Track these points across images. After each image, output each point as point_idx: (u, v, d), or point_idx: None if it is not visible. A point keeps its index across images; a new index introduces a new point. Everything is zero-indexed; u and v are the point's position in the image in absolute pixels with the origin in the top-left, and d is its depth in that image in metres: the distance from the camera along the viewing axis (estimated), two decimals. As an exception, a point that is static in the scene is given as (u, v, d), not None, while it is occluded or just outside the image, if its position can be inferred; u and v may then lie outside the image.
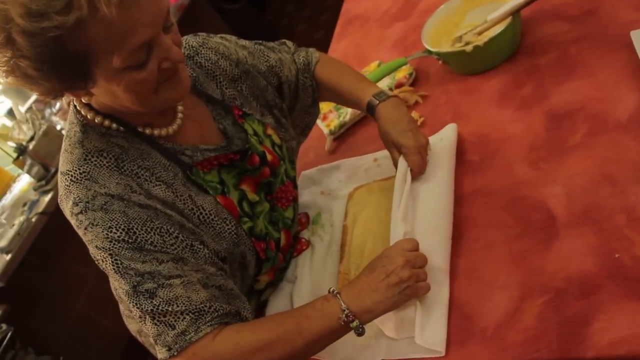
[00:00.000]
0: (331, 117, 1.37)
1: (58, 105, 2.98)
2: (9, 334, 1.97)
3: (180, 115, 0.93)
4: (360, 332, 0.81)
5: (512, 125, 1.05)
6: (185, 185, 0.88)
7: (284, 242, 1.05)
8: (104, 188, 0.80)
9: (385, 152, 1.18)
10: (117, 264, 0.79)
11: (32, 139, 2.41)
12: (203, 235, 0.86)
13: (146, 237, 0.79)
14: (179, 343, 0.79)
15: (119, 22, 0.69)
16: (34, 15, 0.66)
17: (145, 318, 0.80)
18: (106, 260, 0.80)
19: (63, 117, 2.73)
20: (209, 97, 1.00)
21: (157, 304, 0.78)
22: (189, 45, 1.02)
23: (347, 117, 1.32)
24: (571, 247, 0.81)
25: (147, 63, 0.76)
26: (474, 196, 0.98)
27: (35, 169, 2.31)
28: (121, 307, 1.17)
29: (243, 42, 1.12)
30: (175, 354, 0.79)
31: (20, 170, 2.44)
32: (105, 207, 0.79)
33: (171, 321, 0.79)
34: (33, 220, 2.08)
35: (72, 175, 0.82)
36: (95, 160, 0.82)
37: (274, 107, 1.10)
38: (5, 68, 0.72)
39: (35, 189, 2.27)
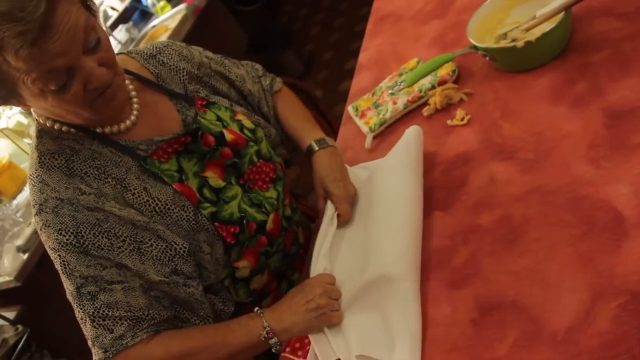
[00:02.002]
0: (370, 114, 1.34)
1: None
2: (25, 336, 1.93)
3: (135, 112, 0.95)
4: (277, 349, 0.93)
5: (568, 122, 1.01)
6: (140, 178, 0.90)
7: (272, 225, 1.04)
8: (55, 192, 0.84)
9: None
10: (64, 265, 0.84)
11: (48, 136, 2.38)
12: (158, 228, 0.88)
13: (94, 240, 0.83)
14: (115, 346, 0.85)
15: (31, 59, 0.72)
16: None
17: (85, 320, 0.85)
18: (56, 261, 0.85)
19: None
20: (172, 92, 1.03)
21: (98, 307, 0.84)
22: (153, 46, 1.08)
23: (388, 114, 1.29)
24: (645, 247, 0.77)
25: (69, 85, 0.78)
26: (531, 195, 0.95)
27: (52, 167, 2.27)
28: None
29: (207, 52, 1.18)
30: (110, 356, 0.85)
31: (36, 168, 2.40)
32: (56, 210, 0.83)
33: (109, 325, 0.84)
34: (51, 218, 2.03)
35: (30, 179, 0.89)
36: (48, 162, 0.86)
37: (241, 107, 1.14)
38: None
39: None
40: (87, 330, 0.87)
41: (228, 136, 1.03)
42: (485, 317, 0.84)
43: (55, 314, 2.46)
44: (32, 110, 0.90)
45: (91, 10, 0.83)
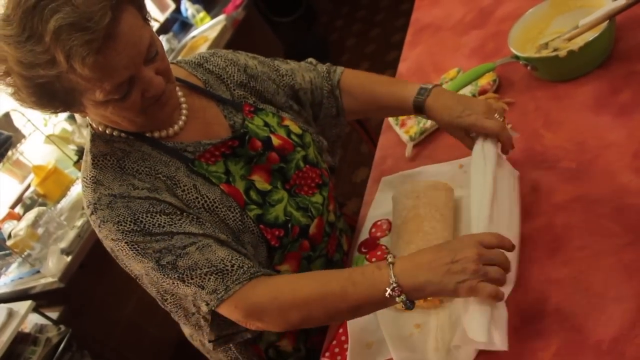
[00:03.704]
0: (410, 123, 1.35)
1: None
2: (67, 336, 1.99)
3: (183, 117, 0.98)
4: (408, 307, 0.79)
5: (612, 132, 1.00)
6: (189, 176, 0.94)
7: (314, 230, 1.04)
8: (108, 189, 0.87)
9: (468, 159, 1.16)
10: (135, 248, 0.87)
11: (92, 143, 2.45)
12: (206, 223, 0.91)
13: (152, 221, 0.86)
14: (213, 301, 0.87)
15: (97, 71, 0.76)
16: (24, 65, 0.75)
17: (177, 284, 0.89)
18: (124, 249, 0.88)
19: (122, 123, 2.79)
20: (220, 98, 1.05)
21: (182, 272, 0.87)
22: (200, 55, 1.11)
23: (428, 124, 1.30)
24: (695, 257, 0.76)
25: (129, 95, 0.83)
26: (574, 204, 0.94)
27: (95, 172, 2.34)
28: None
29: (254, 55, 1.18)
30: (213, 307, 0.88)
31: (79, 173, 2.49)
32: (110, 205, 0.86)
33: (199, 282, 0.87)
34: (94, 222, 2.10)
35: (84, 181, 0.92)
36: (101, 163, 0.90)
37: (290, 111, 1.13)
38: (10, 93, 0.82)
39: (95, 192, 2.30)
40: (184, 290, 0.90)
41: (275, 141, 1.04)
42: (527, 326, 0.83)
43: (96, 316, 2.53)
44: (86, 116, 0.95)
45: (148, 22, 0.87)
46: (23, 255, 2.10)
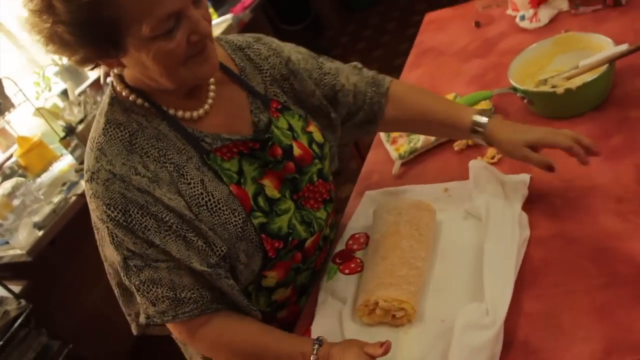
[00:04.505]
0: (401, 141, 1.34)
1: (110, 94, 3.01)
2: (27, 311, 1.94)
3: (210, 101, 0.94)
4: None
5: (600, 174, 1.01)
6: (200, 169, 0.89)
7: (310, 244, 1.02)
8: (110, 165, 0.84)
9: (457, 183, 1.15)
10: (112, 236, 0.85)
11: (81, 121, 2.43)
12: (202, 228, 0.87)
13: (141, 220, 0.83)
14: (157, 319, 0.88)
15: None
16: None
17: (131, 288, 0.88)
18: (103, 231, 0.86)
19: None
20: (252, 89, 1.00)
21: (143, 281, 0.85)
22: (243, 38, 1.05)
23: (419, 144, 1.29)
24: (667, 307, 0.75)
25: (175, 33, 0.79)
26: (554, 240, 0.94)
27: (80, 151, 2.31)
28: None
29: (300, 48, 1.12)
30: (154, 323, 0.89)
31: (64, 151, 2.46)
32: (107, 183, 0.83)
33: (152, 299, 0.86)
34: (71, 200, 2.06)
35: (90, 142, 0.88)
36: (112, 132, 0.86)
37: (319, 113, 1.09)
38: (45, 35, 0.78)
39: (76, 171, 2.27)
40: (136, 296, 0.89)
41: (296, 151, 0.99)
42: (492, 355, 0.82)
43: (60, 296, 2.48)
44: (110, 77, 0.92)
45: None
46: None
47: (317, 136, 1.05)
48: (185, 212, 0.86)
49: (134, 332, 0.98)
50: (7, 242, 1.97)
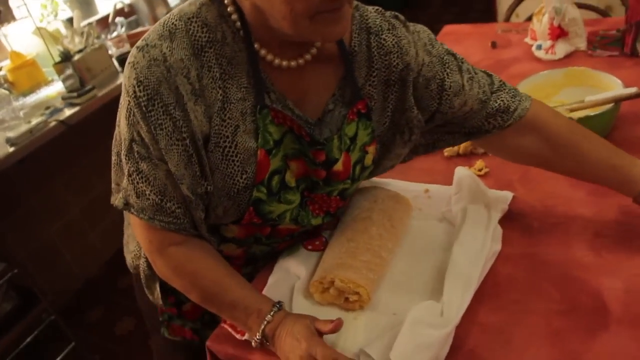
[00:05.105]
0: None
1: (115, 33, 2.96)
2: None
3: (301, 61, 0.85)
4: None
5: (582, 206, 1.00)
6: (244, 116, 0.82)
7: (284, 229, 0.98)
8: (168, 50, 0.77)
9: (439, 187, 1.14)
10: (130, 113, 0.79)
11: (80, 51, 2.37)
12: (206, 161, 0.81)
13: (160, 116, 0.77)
14: (134, 211, 0.84)
15: None
16: None
17: (124, 169, 0.84)
18: (124, 105, 0.81)
19: (117, 44, 2.70)
20: (350, 76, 0.89)
21: (139, 170, 0.81)
22: (379, 21, 0.90)
23: (411, 140, 1.27)
24: (620, 345, 0.74)
25: None
26: (524, 259, 0.92)
27: (72, 80, 2.25)
28: (125, 236, 1.09)
29: (435, 45, 0.94)
30: (132, 213, 0.84)
31: (56, 77, 2.39)
32: (151, 62, 0.76)
33: (139, 192, 0.83)
34: (50, 124, 2.00)
35: (164, 21, 0.80)
36: (193, 27, 0.79)
37: (399, 129, 0.95)
38: None
39: (63, 99, 2.20)
40: (123, 180, 0.85)
41: (337, 166, 0.90)
42: (437, 356, 0.80)
43: (17, 221, 2.42)
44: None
45: None
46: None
47: (368, 159, 0.95)
48: (200, 139, 0.80)
49: (112, 201, 0.91)
50: (-25, 152, 1.90)
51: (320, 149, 0.87)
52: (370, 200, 1.06)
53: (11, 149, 1.87)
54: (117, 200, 0.88)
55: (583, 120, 1.08)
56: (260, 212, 0.88)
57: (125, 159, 0.82)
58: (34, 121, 1.99)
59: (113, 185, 0.93)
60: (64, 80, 2.26)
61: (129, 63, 0.79)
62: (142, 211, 0.84)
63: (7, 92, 2.16)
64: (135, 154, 0.81)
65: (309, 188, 0.93)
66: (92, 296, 2.74)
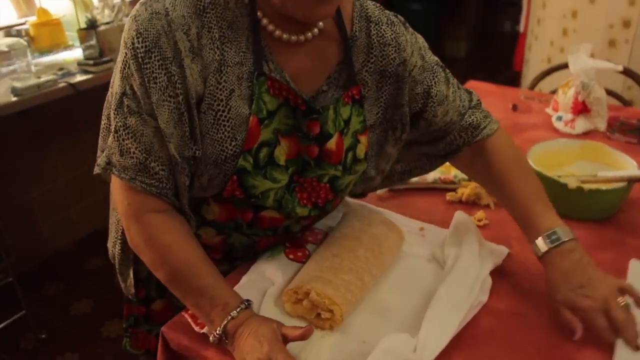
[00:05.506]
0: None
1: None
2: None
3: (302, 37, 0.85)
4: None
5: (576, 278, 0.96)
6: (240, 80, 0.81)
7: (267, 218, 0.92)
8: (171, 6, 0.77)
9: (434, 227, 1.11)
10: (125, 65, 0.78)
11: (106, 24, 2.36)
12: (197, 122, 0.79)
13: (156, 70, 0.76)
14: (116, 171, 0.81)
15: None
16: None
17: (110, 128, 0.81)
18: (122, 55, 0.79)
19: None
20: (347, 60, 0.89)
21: (126, 125, 0.78)
22: (378, 13, 0.93)
23: (415, 179, 1.24)
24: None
25: None
26: (508, 317, 0.89)
27: (92, 50, 2.23)
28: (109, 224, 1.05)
29: (428, 55, 0.98)
30: (113, 173, 0.81)
31: (77, 43, 2.37)
32: (154, 16, 0.76)
33: (123, 149, 0.80)
34: (59, 85, 1.97)
35: None
36: None
37: (390, 125, 0.96)
38: None
39: (79, 64, 2.19)
40: (109, 138, 0.82)
41: (330, 143, 0.89)
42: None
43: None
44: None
45: None
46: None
47: (361, 151, 0.93)
48: (194, 97, 0.79)
49: (95, 170, 0.87)
50: (-23, 94, 1.86)
51: (316, 118, 0.86)
52: (364, 222, 1.02)
53: (14, 99, 1.84)
54: (99, 160, 0.85)
55: (593, 193, 1.06)
56: (244, 184, 0.84)
57: (114, 114, 0.80)
58: (44, 78, 1.96)
59: (98, 153, 0.90)
60: (84, 48, 2.24)
61: (131, 17, 0.79)
62: (124, 170, 0.80)
63: (25, 44, 2.13)
64: (125, 108, 0.78)
65: (299, 172, 0.90)
66: (56, 270, 2.65)
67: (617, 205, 1.12)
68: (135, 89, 0.77)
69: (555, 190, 1.11)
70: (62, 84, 1.97)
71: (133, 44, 0.76)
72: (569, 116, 1.56)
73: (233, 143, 0.82)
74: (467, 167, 1.06)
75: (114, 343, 2.19)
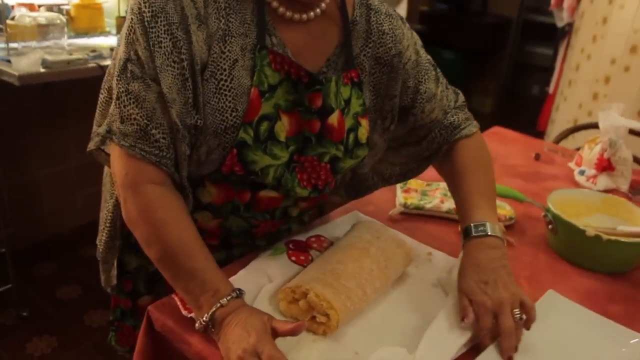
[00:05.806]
0: (414, 194, 1.28)
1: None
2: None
3: (304, 16, 0.87)
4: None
5: (584, 326, 0.92)
6: (243, 51, 0.81)
7: (265, 199, 0.91)
8: None
9: (443, 254, 1.08)
10: (130, 31, 0.77)
11: (145, 17, 2.39)
12: (200, 90, 0.79)
13: (161, 34, 0.76)
14: (116, 138, 0.79)
15: None
16: None
17: (114, 94, 0.79)
18: (127, 22, 0.78)
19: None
20: (346, 44, 0.91)
21: (129, 91, 0.77)
22: (374, 3, 0.96)
23: (429, 206, 1.23)
24: None
25: None
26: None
27: (126, 38, 2.26)
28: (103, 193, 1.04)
29: (422, 51, 1.02)
30: (113, 141, 0.79)
31: (114, 30, 2.41)
32: None
33: (124, 115, 0.78)
34: (89, 65, 1.99)
35: None
36: None
37: (382, 115, 0.98)
38: None
39: (112, 49, 2.21)
40: (110, 105, 0.81)
41: (332, 119, 0.89)
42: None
43: (9, 145, 2.37)
44: None
45: None
46: (7, 43, 1.96)
47: (362, 134, 0.94)
48: (199, 64, 0.78)
49: (89, 146, 0.87)
50: (9, 61, 1.87)
51: (318, 89, 0.86)
52: (373, 234, 0.99)
53: (42, 70, 1.85)
54: (99, 129, 0.84)
55: (612, 243, 1.03)
56: (244, 159, 0.83)
57: (117, 81, 0.78)
58: (74, 57, 1.97)
59: (94, 128, 0.89)
60: (119, 39, 2.26)
61: None
62: (124, 137, 0.79)
63: (64, 21, 2.16)
64: (129, 73, 0.77)
65: (300, 150, 0.89)
66: (51, 252, 2.63)
67: (633, 261, 1.08)
68: (140, 53, 0.77)
69: (573, 237, 1.09)
70: (91, 65, 1.99)
71: (140, 9, 0.76)
72: (592, 172, 1.54)
73: (234, 114, 0.81)
74: (439, 165, 1.08)
75: (95, 332, 2.14)
